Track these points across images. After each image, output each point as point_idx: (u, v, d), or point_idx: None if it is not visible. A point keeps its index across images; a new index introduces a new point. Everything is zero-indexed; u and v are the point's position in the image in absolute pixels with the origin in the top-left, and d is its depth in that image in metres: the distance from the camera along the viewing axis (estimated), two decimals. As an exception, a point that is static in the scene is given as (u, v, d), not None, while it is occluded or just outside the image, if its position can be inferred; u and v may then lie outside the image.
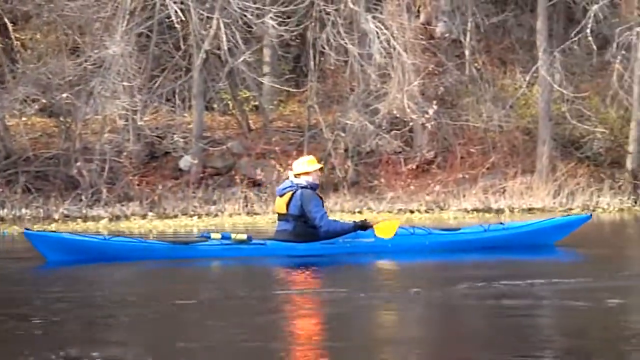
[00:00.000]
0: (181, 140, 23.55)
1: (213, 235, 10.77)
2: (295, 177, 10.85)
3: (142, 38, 23.92)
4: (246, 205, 22.58)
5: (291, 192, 10.73)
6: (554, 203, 23.08)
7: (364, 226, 10.85)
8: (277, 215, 11.13)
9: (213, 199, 22.75)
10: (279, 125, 25.47)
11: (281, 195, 10.88)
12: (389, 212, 22.20)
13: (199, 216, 21.19)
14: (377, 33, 23.14)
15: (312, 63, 24.08)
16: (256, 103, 25.75)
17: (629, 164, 23.89)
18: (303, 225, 10.64)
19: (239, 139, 24.62)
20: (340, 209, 22.45)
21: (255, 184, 23.43)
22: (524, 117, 25.33)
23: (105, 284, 9.26)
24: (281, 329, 6.27)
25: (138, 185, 22.65)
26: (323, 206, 10.82)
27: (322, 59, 24.27)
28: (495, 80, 25.51)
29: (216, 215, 21.53)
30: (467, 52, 25.06)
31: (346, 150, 23.97)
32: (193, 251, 10.62)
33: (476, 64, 25.13)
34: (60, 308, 7.31)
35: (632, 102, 23.66)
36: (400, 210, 22.62)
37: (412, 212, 22.29)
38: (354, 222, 11.05)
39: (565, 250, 11.42)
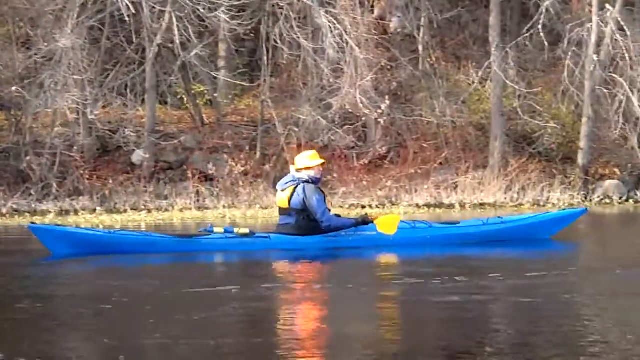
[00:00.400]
0: (133, 134, 23.37)
1: (216, 229, 10.81)
2: (297, 171, 10.95)
3: (94, 31, 23.71)
4: (198, 200, 22.49)
5: (293, 187, 10.83)
6: (505, 198, 23.20)
7: (365, 222, 10.95)
8: (278, 209, 11.18)
9: (164, 194, 22.65)
10: (232, 119, 25.39)
11: (283, 190, 10.96)
12: (340, 207, 22.20)
13: (149, 211, 21.08)
14: (330, 28, 23.09)
15: (265, 58, 23.99)
16: (211, 97, 25.65)
17: (580, 159, 23.99)
18: (305, 219, 10.71)
19: (192, 133, 24.51)
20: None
21: (208, 178, 23.34)
22: (477, 112, 25.40)
23: (57, 279, 9.17)
24: (223, 325, 6.24)
25: (89, 179, 22.50)
26: (325, 201, 10.90)
27: (276, 53, 24.20)
28: (449, 76, 25.52)
29: (166, 210, 21.40)
30: (420, 48, 25.06)
31: (299, 145, 23.89)
32: (198, 245, 10.70)
33: (429, 60, 25.13)
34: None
35: (583, 98, 23.77)
36: (352, 205, 22.62)
37: (363, 207, 22.27)
38: (355, 218, 11.14)
39: (558, 243, 11.67)
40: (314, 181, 10.89)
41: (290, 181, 10.94)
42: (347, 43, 23.07)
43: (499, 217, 12.21)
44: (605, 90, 23.66)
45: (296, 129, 23.84)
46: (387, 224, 10.88)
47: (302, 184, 10.77)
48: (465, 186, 23.46)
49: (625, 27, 23.05)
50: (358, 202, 22.82)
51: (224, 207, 21.63)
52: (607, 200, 23.44)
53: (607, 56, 23.52)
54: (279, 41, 23.43)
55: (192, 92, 25.09)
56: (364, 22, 23.63)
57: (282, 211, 10.95)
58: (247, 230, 10.84)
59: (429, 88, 24.99)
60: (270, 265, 10.17)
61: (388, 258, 10.57)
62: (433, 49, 25.33)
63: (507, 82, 24.02)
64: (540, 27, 23.42)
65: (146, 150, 23.34)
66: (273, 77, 25.20)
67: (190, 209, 21.60)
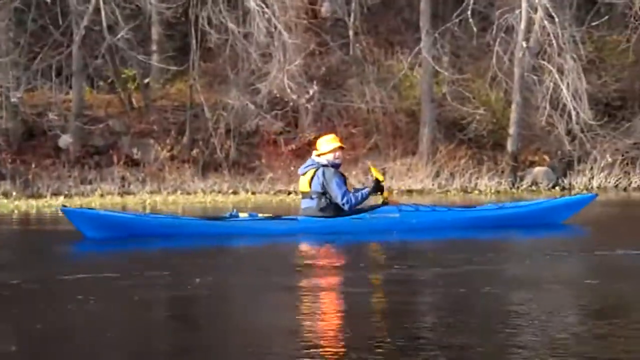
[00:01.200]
0: (57, 118, 23.07)
1: (241, 214, 10.92)
2: (317, 156, 11.10)
3: (19, 13, 23.31)
4: (123, 185, 22.25)
5: (313, 170, 10.96)
6: (433, 185, 23.15)
7: (378, 187, 11.06)
8: (301, 193, 11.29)
9: (89, 179, 22.38)
10: (163, 104, 25.10)
11: (303, 174, 11.10)
12: (266, 193, 22.09)
13: (69, 196, 20.76)
14: (259, 12, 22.87)
15: (194, 41, 23.73)
16: (145, 81, 25.36)
17: (509, 146, 23.98)
18: (326, 202, 10.83)
19: (120, 118, 24.22)
20: (218, 190, 22.25)
21: (134, 163, 23.10)
22: (407, 98, 25.29)
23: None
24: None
25: (12, 163, 22.14)
26: (345, 184, 10.98)
27: (206, 37, 23.93)
28: (381, 61, 25.37)
29: (87, 195, 21.11)
30: (351, 33, 24.87)
31: (228, 130, 23.72)
32: (227, 227, 10.69)
33: (359, 45, 24.94)
34: None
35: (512, 85, 23.74)
36: (279, 191, 22.49)
37: (289, 193, 22.14)
38: (368, 188, 11.21)
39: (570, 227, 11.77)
40: (333, 165, 10.99)
41: (310, 165, 11.07)
42: (275, 27, 22.88)
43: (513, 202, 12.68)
44: (534, 77, 23.63)
45: (224, 114, 23.64)
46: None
47: (321, 168, 10.90)
48: (394, 172, 23.40)
49: (554, 14, 22.99)
50: (285, 188, 22.68)
51: (146, 193, 21.38)
52: (534, 188, 23.48)
53: (536, 43, 23.48)
54: (206, 25, 23.15)
55: (123, 75, 24.83)
56: (292, 6, 23.42)
57: (304, 195, 11.09)
58: (270, 215, 11.04)
59: (358, 74, 24.85)
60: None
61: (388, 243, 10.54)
62: (364, 34, 25.16)
63: (436, 67, 23.93)
64: (469, 13, 23.32)
65: (72, 134, 23.05)
66: (205, 61, 25.00)
67: (113, 194, 21.33)
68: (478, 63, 25.10)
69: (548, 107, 23.10)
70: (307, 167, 11.09)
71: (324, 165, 10.92)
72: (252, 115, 23.50)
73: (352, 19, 24.80)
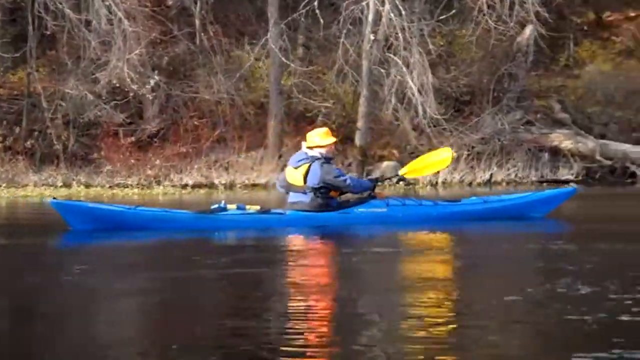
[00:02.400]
0: None
1: (229, 206, 10.73)
2: (309, 149, 10.89)
3: None
4: (-50, 178, 21.18)
5: (307, 164, 10.75)
6: (277, 180, 22.61)
7: (374, 185, 11.30)
8: (289, 187, 10.99)
9: None
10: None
11: (296, 167, 10.83)
12: (102, 187, 21.29)
13: None
14: (99, -2, 21.99)
15: (30, 28, 22.71)
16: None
17: (358, 140, 23.65)
18: (320, 196, 10.71)
19: (-48, 107, 23.10)
20: (52, 183, 21.35)
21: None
22: (256, 90, 24.73)
23: None
24: None
25: None
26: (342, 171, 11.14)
27: (44, 24, 22.92)
28: (230, 52, 24.74)
29: None
30: (197, 22, 24.16)
31: (67, 122, 22.80)
32: (217, 221, 10.60)
33: (206, 34, 24.20)
34: None
35: (358, 78, 23.37)
36: (118, 184, 21.71)
37: (125, 187, 21.38)
38: (371, 180, 11.54)
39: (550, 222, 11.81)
40: (327, 159, 10.84)
41: (304, 159, 10.84)
42: (115, 15, 22.04)
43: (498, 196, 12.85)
44: (382, 70, 23.30)
45: (63, 104, 22.70)
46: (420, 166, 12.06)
47: (316, 161, 10.72)
48: (239, 166, 22.82)
49: (401, 7, 22.66)
50: (125, 182, 21.92)
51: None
52: (380, 183, 23.13)
53: (384, 35, 23.13)
54: (42, 10, 22.16)
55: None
56: (135, -6, 22.63)
57: (295, 189, 10.86)
58: (257, 207, 10.82)
59: (205, 64, 24.16)
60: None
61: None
62: (213, 24, 24.45)
63: (283, 59, 23.38)
64: (316, 3, 22.83)
65: None
66: (51, 49, 24.05)
67: None
68: (328, 55, 24.63)
69: (394, 100, 22.77)
70: (299, 160, 10.86)
71: (317, 159, 10.74)
72: (90, 105, 22.62)
73: (198, 8, 24.08)
